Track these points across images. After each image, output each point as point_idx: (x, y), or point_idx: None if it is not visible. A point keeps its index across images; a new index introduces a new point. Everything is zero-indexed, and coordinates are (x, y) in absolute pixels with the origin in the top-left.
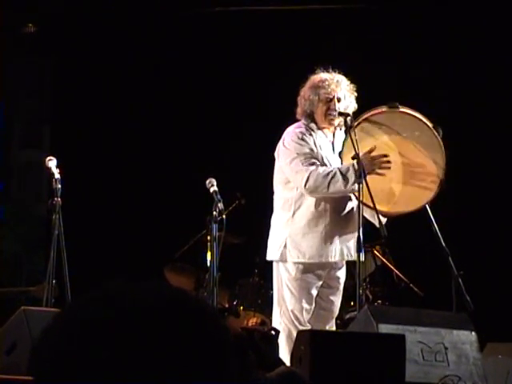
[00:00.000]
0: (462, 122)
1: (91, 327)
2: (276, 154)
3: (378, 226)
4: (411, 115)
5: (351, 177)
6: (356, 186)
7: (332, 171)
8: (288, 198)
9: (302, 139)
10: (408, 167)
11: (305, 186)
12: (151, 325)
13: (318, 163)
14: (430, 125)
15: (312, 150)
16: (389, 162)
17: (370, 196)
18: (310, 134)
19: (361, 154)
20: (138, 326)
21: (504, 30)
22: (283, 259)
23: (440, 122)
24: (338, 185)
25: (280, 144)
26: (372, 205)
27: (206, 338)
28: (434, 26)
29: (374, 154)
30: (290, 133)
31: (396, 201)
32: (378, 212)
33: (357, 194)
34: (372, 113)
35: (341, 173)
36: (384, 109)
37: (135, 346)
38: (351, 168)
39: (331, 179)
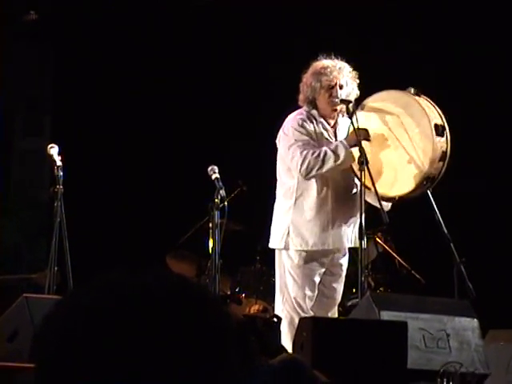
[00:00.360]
0: (467, 108)
1: (93, 314)
2: (277, 141)
3: (380, 210)
4: (420, 106)
5: (341, 152)
6: (348, 160)
7: (322, 150)
8: (290, 186)
9: (302, 126)
10: (400, 152)
11: (300, 169)
12: (152, 312)
13: (312, 149)
14: (434, 122)
15: (311, 137)
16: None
17: (372, 182)
18: (311, 121)
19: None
20: (140, 313)
21: (504, 28)
22: (286, 247)
23: (448, 102)
24: (331, 161)
25: (281, 131)
26: (373, 190)
27: (208, 325)
28: (437, 13)
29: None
30: (291, 120)
31: (384, 182)
32: (379, 196)
33: (357, 179)
34: (388, 92)
35: (331, 150)
36: (406, 92)
37: (137, 333)
38: (339, 143)
39: (323, 157)
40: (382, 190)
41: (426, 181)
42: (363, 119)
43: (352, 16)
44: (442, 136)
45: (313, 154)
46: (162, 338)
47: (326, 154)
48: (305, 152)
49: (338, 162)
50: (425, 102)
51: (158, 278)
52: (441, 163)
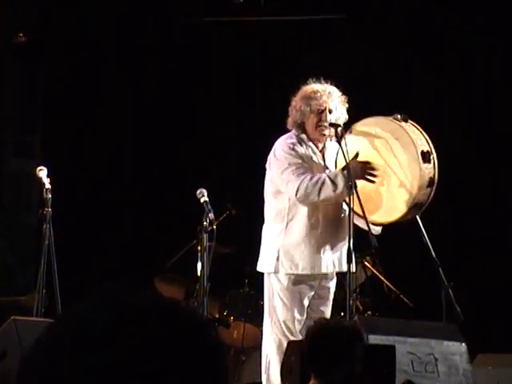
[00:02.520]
0: (455, 132)
1: (81, 337)
2: (267, 165)
3: (369, 234)
4: (406, 133)
5: (340, 182)
6: (346, 192)
7: (321, 178)
8: (280, 210)
9: (293, 149)
10: (389, 179)
11: (296, 194)
12: (141, 334)
13: (309, 173)
14: (421, 149)
15: (303, 160)
16: (373, 168)
17: (361, 206)
18: (301, 145)
19: (350, 163)
20: (129, 335)
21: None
22: (276, 270)
23: (431, 131)
24: (328, 191)
25: (271, 155)
26: (362, 214)
27: (197, 348)
28: (421, 33)
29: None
30: (282, 143)
31: (373, 208)
32: (368, 221)
33: (345, 204)
34: (375, 118)
35: (330, 179)
36: (389, 117)
37: (125, 355)
38: (340, 173)
39: (321, 186)
40: (373, 216)
41: (415, 206)
42: (352, 143)
43: (342, 39)
44: (429, 162)
45: (311, 179)
46: (150, 360)
47: (324, 182)
48: (302, 177)
49: (337, 192)
50: (411, 127)
51: (147, 300)
52: (429, 189)
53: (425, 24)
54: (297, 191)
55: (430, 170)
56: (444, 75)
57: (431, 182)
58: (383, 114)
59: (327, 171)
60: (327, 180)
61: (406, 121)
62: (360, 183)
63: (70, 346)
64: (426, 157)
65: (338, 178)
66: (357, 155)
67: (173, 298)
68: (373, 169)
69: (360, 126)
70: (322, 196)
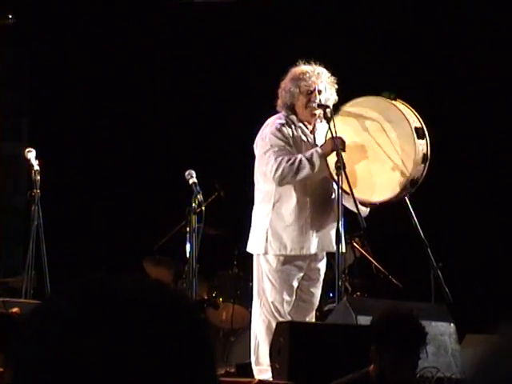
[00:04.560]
0: (443, 114)
1: (69, 320)
2: (254, 146)
3: (358, 215)
4: (399, 110)
5: (316, 160)
6: (323, 170)
7: (297, 158)
8: (268, 191)
9: (280, 131)
10: (380, 157)
11: (273, 176)
12: (128, 318)
13: (288, 155)
14: (414, 125)
15: (287, 142)
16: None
17: (349, 186)
18: (290, 126)
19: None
20: (116, 319)
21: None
22: (265, 252)
23: (424, 111)
24: (306, 170)
25: (258, 135)
26: (351, 195)
27: (184, 331)
28: (417, 15)
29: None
30: (269, 125)
31: (364, 188)
32: (356, 201)
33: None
34: (365, 97)
35: (306, 159)
36: (379, 97)
37: (112, 339)
38: (315, 153)
39: (298, 166)
40: (364, 196)
41: (409, 184)
42: (342, 124)
43: (333, 20)
44: (423, 138)
45: (288, 161)
46: (137, 344)
47: (300, 162)
48: (279, 159)
49: (314, 171)
50: (402, 105)
51: (134, 283)
52: (422, 165)
53: (417, 8)
54: (275, 172)
55: (423, 146)
56: (432, 61)
57: (425, 157)
58: (372, 94)
59: (304, 153)
60: (303, 159)
61: (395, 99)
62: (351, 164)
63: (55, 332)
64: (419, 133)
65: (314, 156)
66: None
67: (159, 280)
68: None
69: (349, 107)
70: (299, 176)
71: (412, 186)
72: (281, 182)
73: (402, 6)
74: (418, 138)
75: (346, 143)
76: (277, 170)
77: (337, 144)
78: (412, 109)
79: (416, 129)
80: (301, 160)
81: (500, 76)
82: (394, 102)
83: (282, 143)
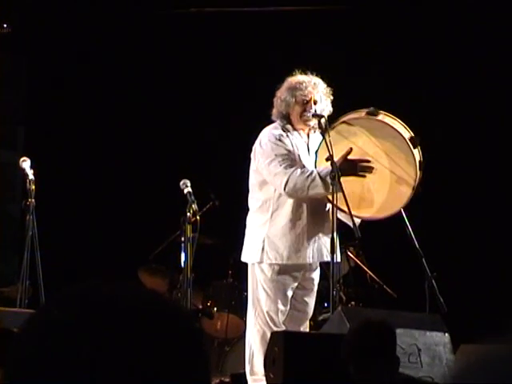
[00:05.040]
0: (437, 124)
1: (64, 329)
2: (252, 155)
3: (352, 227)
4: (388, 125)
5: (329, 181)
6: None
7: (312, 174)
8: (266, 200)
9: (280, 139)
10: (381, 174)
11: (284, 188)
12: (123, 327)
13: (296, 165)
14: (407, 136)
15: (290, 150)
16: (370, 167)
17: (345, 199)
18: (287, 135)
19: (337, 158)
20: (111, 328)
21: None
22: (260, 261)
23: (417, 124)
24: (318, 189)
25: (256, 145)
26: (346, 207)
27: (179, 340)
28: (413, 27)
29: (353, 157)
30: (267, 134)
31: (367, 206)
32: (351, 214)
33: (330, 197)
34: (349, 116)
35: (320, 177)
36: (362, 114)
37: (108, 348)
38: (330, 173)
39: (311, 183)
40: (369, 214)
41: (415, 194)
42: (336, 138)
43: (328, 31)
44: (415, 147)
45: (301, 174)
46: (132, 353)
47: (314, 179)
48: (290, 170)
49: (324, 192)
50: (388, 118)
51: (129, 292)
52: (420, 173)
53: (410, 18)
54: (285, 185)
55: (419, 153)
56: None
57: (421, 165)
58: (353, 108)
59: (317, 168)
60: (317, 178)
61: (377, 114)
62: (350, 185)
63: (51, 340)
64: (413, 143)
65: (329, 177)
66: (348, 153)
67: (154, 290)
68: (366, 161)
69: (343, 127)
70: (311, 193)
71: (416, 194)
72: (291, 195)
73: (398, 15)
74: (414, 147)
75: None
76: (288, 181)
77: (359, 167)
78: (396, 118)
79: (410, 139)
80: (315, 177)
81: (498, 81)
82: (380, 116)
83: (286, 151)
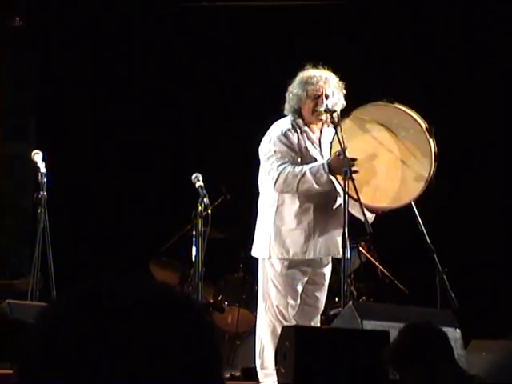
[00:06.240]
0: (451, 122)
1: (77, 322)
2: (260, 149)
3: (364, 221)
4: (405, 112)
5: (320, 176)
6: (327, 186)
7: (302, 171)
8: (272, 195)
9: (285, 135)
10: (395, 164)
11: (274, 184)
12: (135, 320)
13: (292, 162)
14: (424, 125)
15: (292, 148)
16: (355, 171)
17: (356, 192)
18: (296, 131)
19: (330, 158)
20: (123, 321)
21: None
22: (269, 256)
23: (429, 119)
24: (307, 185)
25: (264, 139)
26: (358, 201)
27: (191, 333)
28: (422, 21)
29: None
30: (275, 129)
31: (381, 196)
32: (363, 208)
33: (340, 189)
34: (367, 105)
35: (311, 173)
36: (380, 102)
37: (120, 341)
38: (321, 168)
39: (300, 179)
40: (384, 204)
41: (429, 185)
42: (349, 130)
43: (341, 25)
44: (431, 137)
45: (291, 171)
46: (144, 346)
47: (304, 175)
48: (281, 167)
49: (316, 187)
50: (405, 108)
51: (142, 286)
52: (435, 164)
53: (422, 12)
54: (275, 181)
55: (434, 144)
56: (437, 65)
57: (436, 156)
58: (376, 99)
59: (310, 164)
60: (308, 173)
61: (393, 103)
62: (365, 174)
63: (62, 335)
64: (430, 132)
65: (319, 172)
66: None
67: (166, 283)
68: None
69: (357, 113)
70: (301, 189)
71: (428, 184)
72: (281, 191)
73: (410, 11)
74: (430, 136)
75: (357, 154)
76: (278, 178)
77: (345, 164)
78: (412, 110)
79: (426, 129)
80: (305, 173)
81: (500, 80)
82: (399, 105)
83: (286, 149)
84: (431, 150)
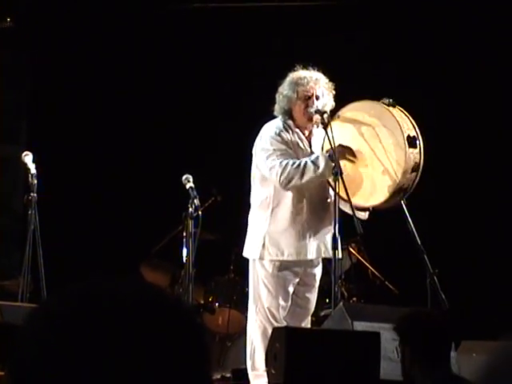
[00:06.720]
0: (441, 119)
1: (67, 323)
2: (253, 151)
3: (354, 220)
4: (397, 120)
5: (321, 162)
6: (328, 172)
7: (302, 161)
8: (266, 195)
9: (279, 135)
10: (374, 163)
11: (279, 180)
12: (125, 322)
13: (291, 158)
14: (406, 134)
15: (288, 146)
16: (354, 156)
17: (346, 192)
18: (287, 131)
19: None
20: (113, 322)
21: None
22: (261, 257)
23: (419, 119)
24: (310, 172)
25: (257, 140)
26: (347, 199)
27: (181, 335)
28: (414, 22)
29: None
30: (268, 129)
31: (367, 194)
32: (353, 208)
33: (331, 190)
34: (355, 103)
35: (311, 161)
36: (381, 103)
37: (109, 342)
38: (320, 155)
39: (303, 169)
40: (359, 202)
41: (399, 191)
42: (338, 130)
43: (329, 26)
44: (415, 147)
45: (293, 164)
46: (133, 347)
47: (305, 164)
48: (284, 162)
49: (318, 173)
50: (398, 112)
51: (131, 287)
52: (413, 174)
53: (415, 12)
54: (280, 176)
55: (415, 155)
56: (433, 65)
57: (416, 166)
58: (371, 99)
59: (308, 156)
60: (309, 162)
61: (394, 106)
62: (348, 170)
63: (53, 335)
64: (412, 142)
65: (319, 159)
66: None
67: (157, 285)
68: (352, 154)
69: (347, 111)
70: (305, 178)
71: (402, 194)
72: (287, 185)
73: (401, 11)
74: (410, 147)
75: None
76: (282, 173)
77: (335, 145)
78: (409, 116)
79: (409, 138)
80: (306, 163)
81: (499, 82)
82: (390, 108)
83: (284, 147)
84: (405, 160)
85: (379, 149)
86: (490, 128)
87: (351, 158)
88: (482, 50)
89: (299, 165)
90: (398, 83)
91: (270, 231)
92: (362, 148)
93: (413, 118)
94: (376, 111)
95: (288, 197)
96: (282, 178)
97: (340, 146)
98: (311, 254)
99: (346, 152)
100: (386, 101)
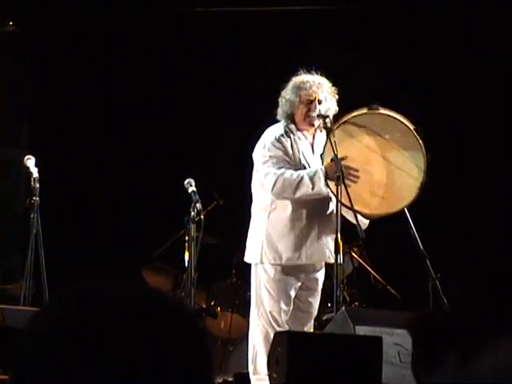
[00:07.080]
0: (442, 125)
1: (69, 326)
2: (253, 155)
3: (357, 225)
4: (392, 117)
5: (318, 180)
6: (324, 189)
7: (299, 175)
8: (265, 200)
9: (279, 141)
10: (389, 169)
11: (272, 189)
12: (127, 325)
13: (287, 167)
14: (412, 127)
15: (286, 153)
16: (356, 176)
17: (349, 198)
18: (289, 136)
19: (325, 164)
20: (115, 326)
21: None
22: (261, 261)
23: (420, 123)
24: (304, 189)
25: (257, 145)
26: (351, 206)
27: (183, 339)
28: (415, 26)
29: (346, 163)
30: (268, 135)
31: (376, 203)
32: (356, 213)
33: (333, 195)
34: (353, 114)
35: (308, 177)
36: (364, 110)
37: (111, 345)
38: (319, 171)
39: (298, 183)
40: (381, 211)
41: (423, 188)
42: (346, 147)
43: (332, 31)
44: (421, 138)
45: (288, 176)
46: (135, 351)
47: (301, 179)
48: (279, 172)
49: (313, 191)
50: (391, 112)
51: (133, 291)
52: (427, 162)
53: (415, 17)
54: (273, 186)
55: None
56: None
57: (427, 155)
58: (356, 106)
59: (307, 169)
60: (305, 177)
61: (382, 107)
62: (363, 182)
63: (54, 338)
64: (418, 133)
65: (317, 175)
66: (343, 159)
67: (159, 289)
68: (354, 170)
69: (351, 119)
70: (298, 193)
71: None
72: (279, 195)
73: (402, 15)
74: (420, 137)
75: (350, 158)
76: (276, 182)
77: (337, 169)
78: (398, 114)
79: (415, 129)
80: (302, 177)
81: (498, 83)
82: (382, 110)
83: (281, 153)
84: (423, 151)
85: (393, 155)
86: (492, 131)
87: (353, 179)
88: (482, 53)
89: (295, 178)
90: (399, 87)
91: (268, 235)
92: (374, 161)
93: (413, 122)
94: (377, 120)
95: (287, 202)
96: (274, 188)
97: (343, 165)
98: (310, 259)
99: (349, 171)
100: (371, 106)
